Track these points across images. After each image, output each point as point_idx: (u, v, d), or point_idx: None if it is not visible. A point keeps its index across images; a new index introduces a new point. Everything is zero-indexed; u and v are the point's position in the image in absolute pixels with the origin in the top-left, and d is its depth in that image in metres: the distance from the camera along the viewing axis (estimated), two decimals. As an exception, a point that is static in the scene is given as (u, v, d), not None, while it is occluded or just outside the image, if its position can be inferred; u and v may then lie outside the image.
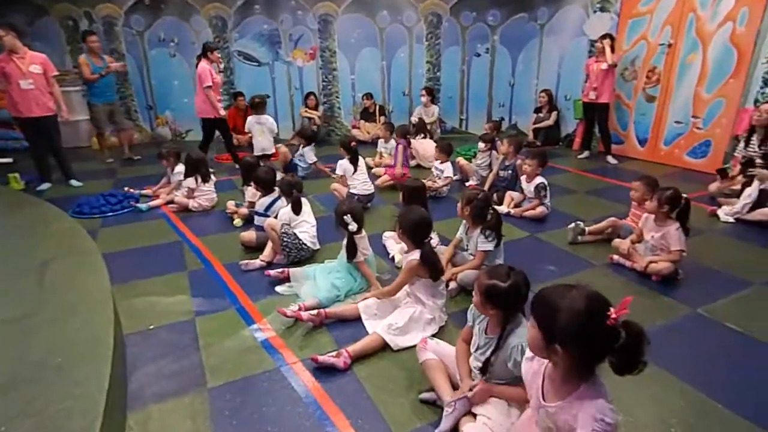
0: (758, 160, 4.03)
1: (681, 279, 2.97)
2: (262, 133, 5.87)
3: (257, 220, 3.65)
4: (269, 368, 2.23)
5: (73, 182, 5.38)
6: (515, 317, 1.74)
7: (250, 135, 7.31)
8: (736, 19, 4.94)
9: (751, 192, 3.90)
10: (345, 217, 2.76)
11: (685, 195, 2.93)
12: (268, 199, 3.63)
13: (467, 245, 3.01)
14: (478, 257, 2.87)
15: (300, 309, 2.59)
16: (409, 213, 2.55)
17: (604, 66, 5.77)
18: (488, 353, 1.78)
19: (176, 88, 7.75)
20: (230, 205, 4.27)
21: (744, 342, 2.39)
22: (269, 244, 3.31)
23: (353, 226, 2.75)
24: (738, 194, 4.09)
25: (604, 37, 5.82)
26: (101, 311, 2.20)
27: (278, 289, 2.95)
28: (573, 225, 3.56)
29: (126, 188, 4.94)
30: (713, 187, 4.49)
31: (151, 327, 2.55)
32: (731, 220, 3.95)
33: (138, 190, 4.90)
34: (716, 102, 5.24)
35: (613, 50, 5.76)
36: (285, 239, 3.23)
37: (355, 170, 4.46)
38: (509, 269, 1.71)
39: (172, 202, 4.56)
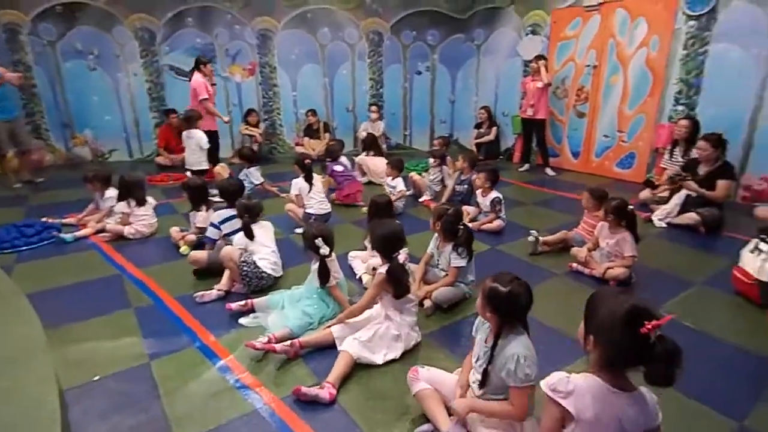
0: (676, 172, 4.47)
1: (634, 283, 3.15)
2: (190, 149, 5.60)
3: (210, 232, 3.41)
4: (246, 411, 2.00)
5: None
6: (513, 326, 1.71)
7: (183, 155, 6.95)
8: (649, 44, 5.51)
9: (678, 201, 4.30)
10: (316, 240, 2.61)
11: (631, 206, 3.13)
12: (227, 212, 3.37)
13: (438, 261, 2.97)
14: (452, 274, 2.84)
15: (270, 341, 2.39)
16: (380, 226, 2.50)
17: (539, 84, 6.13)
18: (485, 364, 1.73)
19: (96, 104, 7.09)
20: (174, 232, 3.88)
21: (698, 338, 2.55)
22: (226, 273, 3.05)
23: (325, 250, 2.61)
24: (666, 201, 4.48)
25: (538, 57, 6.19)
26: (37, 367, 1.85)
27: (242, 321, 2.70)
28: (533, 238, 3.66)
29: (44, 218, 4.33)
30: (643, 195, 4.86)
31: (97, 378, 2.20)
32: (664, 225, 4.31)
33: (59, 219, 4.33)
34: (638, 118, 5.77)
35: (547, 70, 6.13)
36: (244, 268, 3.00)
37: (311, 189, 4.29)
38: (515, 277, 1.70)
39: (103, 230, 4.08)
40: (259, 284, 3.03)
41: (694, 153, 4.39)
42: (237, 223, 3.31)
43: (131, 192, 4.05)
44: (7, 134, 5.57)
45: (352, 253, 3.48)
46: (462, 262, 2.81)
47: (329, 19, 7.48)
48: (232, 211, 3.40)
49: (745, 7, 4.68)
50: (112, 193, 4.24)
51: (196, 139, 5.56)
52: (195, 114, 5.62)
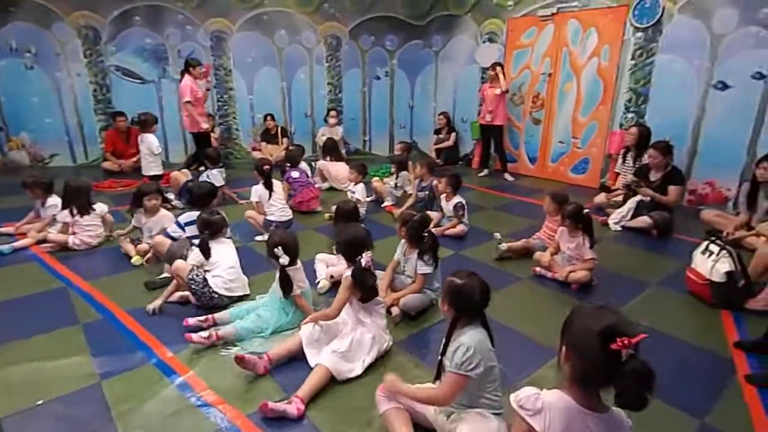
0: (630, 177, 4.70)
1: (595, 285, 3.25)
2: (143, 153, 5.54)
3: (171, 229, 3.30)
4: (209, 431, 1.88)
5: None
6: (471, 321, 1.75)
7: (134, 160, 6.62)
8: (600, 54, 5.75)
9: (631, 205, 4.50)
10: (276, 249, 2.53)
11: (586, 209, 3.23)
12: (195, 214, 3.20)
13: (404, 267, 2.95)
14: (419, 281, 2.83)
15: (211, 337, 2.42)
16: (345, 230, 2.55)
17: (497, 91, 6.26)
18: (440, 356, 1.77)
19: (35, 105, 6.59)
20: (124, 243, 3.64)
21: (657, 337, 2.64)
22: (173, 283, 2.91)
23: (284, 259, 2.53)
24: (620, 205, 4.67)
25: (496, 65, 6.34)
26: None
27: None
28: (498, 237, 3.73)
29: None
30: (598, 199, 5.06)
31: (40, 402, 2.01)
32: (619, 228, 4.48)
33: (-6, 229, 3.98)
34: (591, 125, 6.01)
35: (504, 77, 6.30)
36: (192, 286, 2.80)
37: (271, 195, 4.17)
38: (472, 273, 1.80)
39: (45, 241, 3.78)
40: (211, 303, 2.82)
41: (645, 159, 4.60)
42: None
43: (75, 200, 3.77)
44: None
45: (319, 256, 3.40)
46: (428, 269, 2.80)
47: (286, 22, 7.35)
48: (194, 215, 3.23)
49: (687, 20, 4.95)
50: (54, 200, 3.94)
51: (147, 143, 5.41)
52: (149, 118, 5.50)
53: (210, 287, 2.81)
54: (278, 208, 4.18)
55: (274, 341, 2.48)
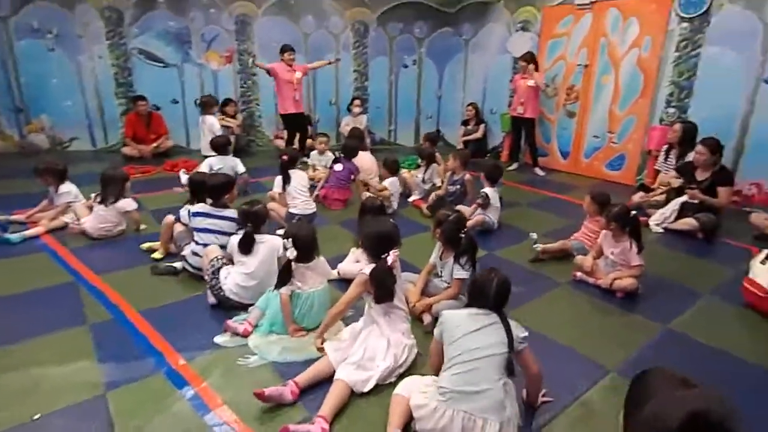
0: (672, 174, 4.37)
1: (641, 294, 2.95)
2: (203, 134, 5.76)
3: (181, 213, 3.18)
4: (222, 457, 1.68)
5: None
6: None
7: (154, 145, 6.49)
8: (641, 45, 5.38)
9: (675, 205, 4.16)
10: (284, 240, 2.38)
11: (634, 212, 2.96)
12: (201, 207, 3.06)
13: (441, 271, 2.70)
14: (455, 286, 2.59)
15: (247, 328, 2.41)
16: (371, 223, 2.36)
17: (530, 83, 5.93)
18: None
19: (55, 87, 6.46)
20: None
21: (718, 357, 2.38)
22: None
23: (291, 253, 2.35)
24: (662, 205, 4.34)
25: (527, 56, 5.98)
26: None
27: (218, 340, 2.36)
28: (535, 241, 3.47)
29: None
30: (636, 198, 4.71)
31: (37, 417, 1.82)
32: (660, 230, 4.16)
33: (5, 217, 3.81)
34: (628, 119, 5.65)
35: (537, 69, 5.94)
36: (209, 271, 2.66)
37: (285, 189, 3.95)
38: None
39: (58, 229, 3.62)
40: (227, 303, 2.63)
41: (690, 156, 4.29)
42: (204, 222, 2.94)
43: (106, 187, 3.59)
44: None
45: (353, 249, 3.20)
46: (465, 274, 2.54)
47: (313, 7, 7.08)
48: (205, 207, 3.03)
49: (738, 10, 4.63)
50: (67, 187, 3.79)
51: (208, 124, 5.66)
52: (209, 100, 5.95)
53: (218, 280, 2.63)
54: (301, 201, 3.96)
55: (292, 348, 2.30)
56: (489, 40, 7.19)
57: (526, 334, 1.80)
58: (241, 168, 4.76)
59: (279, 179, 4.00)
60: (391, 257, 2.09)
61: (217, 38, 6.88)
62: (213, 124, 5.62)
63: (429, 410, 1.70)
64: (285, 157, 4.08)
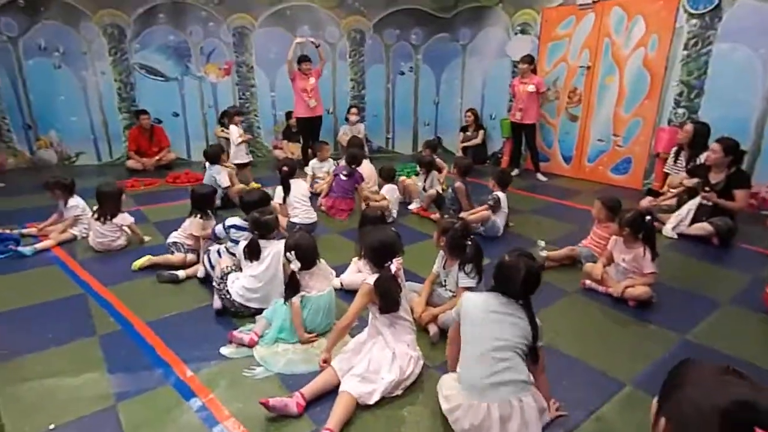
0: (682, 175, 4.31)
1: (655, 303, 2.88)
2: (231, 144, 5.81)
3: (218, 229, 3.19)
4: (232, 467, 1.71)
5: None
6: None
7: (156, 158, 6.58)
8: (647, 45, 5.32)
9: (690, 207, 4.04)
10: (287, 253, 2.43)
11: (648, 217, 2.90)
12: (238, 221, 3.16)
13: (445, 281, 2.70)
14: (460, 295, 2.55)
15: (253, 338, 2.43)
16: (372, 232, 2.31)
17: (530, 88, 5.94)
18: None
19: (62, 104, 6.59)
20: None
21: (746, 369, 2.32)
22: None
23: (296, 265, 2.41)
24: (673, 210, 4.23)
25: (526, 59, 6.01)
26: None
27: (224, 351, 2.39)
28: (542, 251, 3.44)
29: (1, 228, 3.91)
30: (644, 203, 4.63)
31: (52, 427, 1.86)
32: (674, 235, 4.03)
33: (18, 230, 3.91)
34: (634, 121, 5.59)
35: (535, 72, 5.98)
36: (219, 284, 2.75)
37: (286, 196, 4.01)
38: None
39: (68, 241, 3.71)
40: (232, 307, 2.71)
41: (702, 158, 4.20)
42: (237, 234, 3.07)
43: (102, 203, 3.64)
44: None
45: (355, 259, 3.20)
46: (471, 283, 2.52)
47: (309, 17, 7.16)
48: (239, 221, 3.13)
49: (751, 4, 4.48)
50: (75, 201, 3.86)
51: (231, 133, 5.74)
52: (230, 110, 6.06)
53: (226, 284, 2.71)
54: (302, 210, 4.00)
55: (298, 360, 2.32)
56: (487, 44, 7.21)
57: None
58: (224, 182, 4.80)
59: (279, 189, 4.04)
60: (395, 265, 2.10)
61: (216, 51, 6.98)
62: (232, 132, 5.72)
63: (463, 410, 1.73)
64: (285, 168, 4.13)
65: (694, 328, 2.66)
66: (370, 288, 2.09)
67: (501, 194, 4.02)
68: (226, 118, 6.84)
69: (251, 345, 2.40)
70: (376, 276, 2.11)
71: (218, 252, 3.01)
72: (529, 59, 6.03)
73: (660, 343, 2.51)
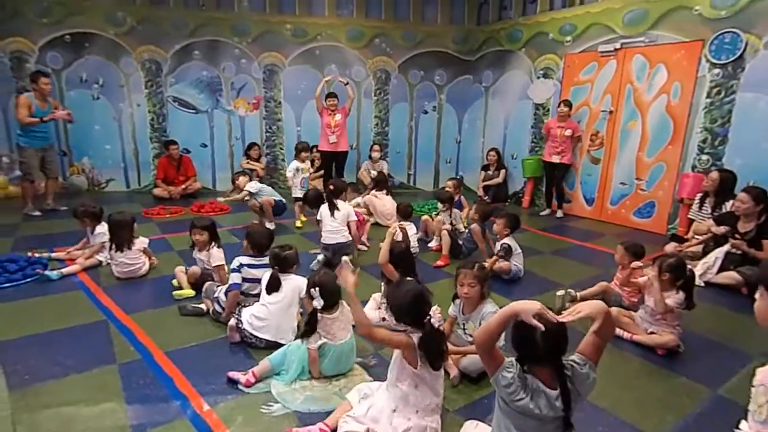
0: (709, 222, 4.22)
1: (684, 353, 2.78)
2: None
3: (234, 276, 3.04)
4: None
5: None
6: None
7: (183, 187, 6.76)
8: (669, 92, 5.34)
9: (718, 255, 3.95)
10: (311, 290, 2.39)
11: (690, 267, 2.82)
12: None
13: (464, 324, 2.63)
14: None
15: (249, 379, 2.35)
16: (396, 290, 2.08)
17: (567, 133, 6.08)
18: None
19: (97, 133, 6.92)
20: (179, 272, 3.53)
21: None
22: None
23: (319, 302, 2.37)
24: (699, 257, 4.14)
25: (565, 103, 6.15)
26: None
27: (231, 374, 2.38)
28: (562, 292, 3.36)
29: (31, 252, 4.03)
30: (668, 248, 4.52)
31: (69, 458, 1.85)
32: (701, 283, 3.89)
33: (47, 253, 4.03)
34: (657, 166, 5.55)
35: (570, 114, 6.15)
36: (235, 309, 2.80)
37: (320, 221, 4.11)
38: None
39: (93, 267, 3.77)
40: (244, 337, 2.71)
41: (728, 206, 4.13)
42: (250, 271, 3.05)
43: (113, 235, 3.70)
44: (39, 162, 5.59)
45: (375, 295, 3.16)
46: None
47: (337, 57, 7.46)
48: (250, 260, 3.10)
49: None
50: (102, 228, 3.95)
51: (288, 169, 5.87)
52: (297, 146, 6.05)
53: (240, 313, 2.75)
54: (329, 231, 4.08)
55: (317, 398, 2.27)
56: (509, 86, 7.34)
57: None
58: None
59: (324, 208, 4.12)
60: (435, 317, 1.92)
61: (246, 86, 7.28)
62: (287, 168, 5.96)
63: None
64: (331, 186, 4.22)
65: (727, 382, 2.54)
66: (412, 343, 1.90)
67: (509, 241, 3.95)
68: (250, 151, 7.11)
69: (247, 386, 2.32)
70: (418, 335, 1.92)
71: (225, 293, 2.98)
72: (568, 103, 6.13)
73: (691, 396, 2.41)
